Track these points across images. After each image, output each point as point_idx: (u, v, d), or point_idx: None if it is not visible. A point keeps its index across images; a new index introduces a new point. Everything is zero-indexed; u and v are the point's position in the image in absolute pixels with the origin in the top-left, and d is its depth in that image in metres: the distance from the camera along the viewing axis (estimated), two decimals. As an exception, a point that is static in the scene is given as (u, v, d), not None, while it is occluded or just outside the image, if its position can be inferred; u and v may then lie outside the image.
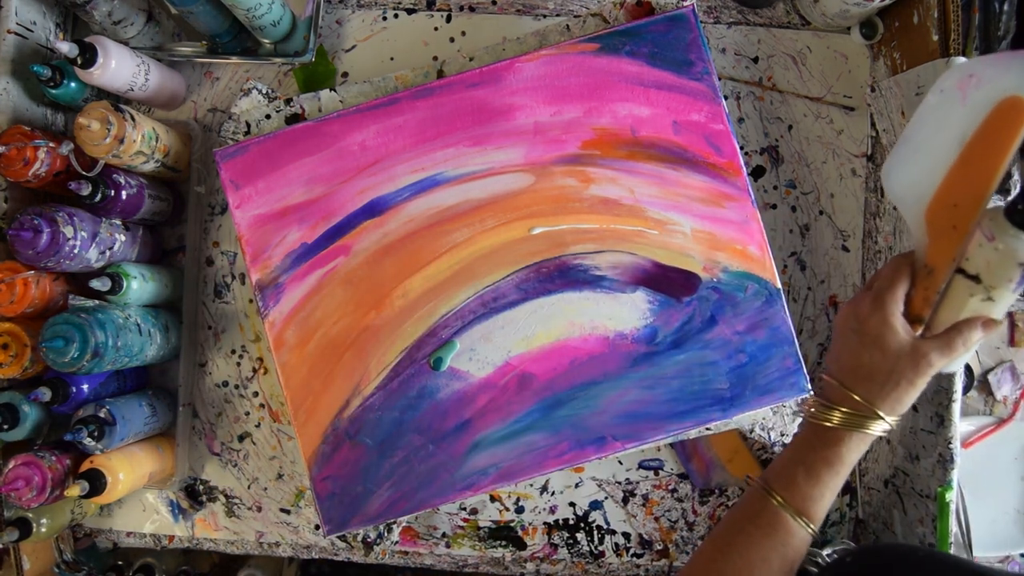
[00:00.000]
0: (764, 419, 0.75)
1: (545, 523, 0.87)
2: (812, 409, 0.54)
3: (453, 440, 0.73)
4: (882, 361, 0.52)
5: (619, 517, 0.86)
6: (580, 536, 0.87)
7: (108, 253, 0.76)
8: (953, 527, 0.71)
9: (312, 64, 0.87)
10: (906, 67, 0.77)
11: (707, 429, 0.74)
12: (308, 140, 0.74)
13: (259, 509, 0.87)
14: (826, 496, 0.52)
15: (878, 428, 0.52)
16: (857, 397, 0.52)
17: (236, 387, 0.88)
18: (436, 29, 0.88)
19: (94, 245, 0.74)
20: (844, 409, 0.53)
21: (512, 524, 0.87)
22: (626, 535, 0.86)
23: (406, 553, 0.87)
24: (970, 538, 0.79)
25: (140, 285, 0.77)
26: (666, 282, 0.73)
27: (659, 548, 0.86)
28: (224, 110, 0.88)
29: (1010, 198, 0.48)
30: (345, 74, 0.89)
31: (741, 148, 0.81)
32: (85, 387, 0.76)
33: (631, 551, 0.87)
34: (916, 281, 0.53)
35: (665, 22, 0.73)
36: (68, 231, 0.70)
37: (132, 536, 0.88)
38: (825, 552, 0.70)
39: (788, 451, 0.54)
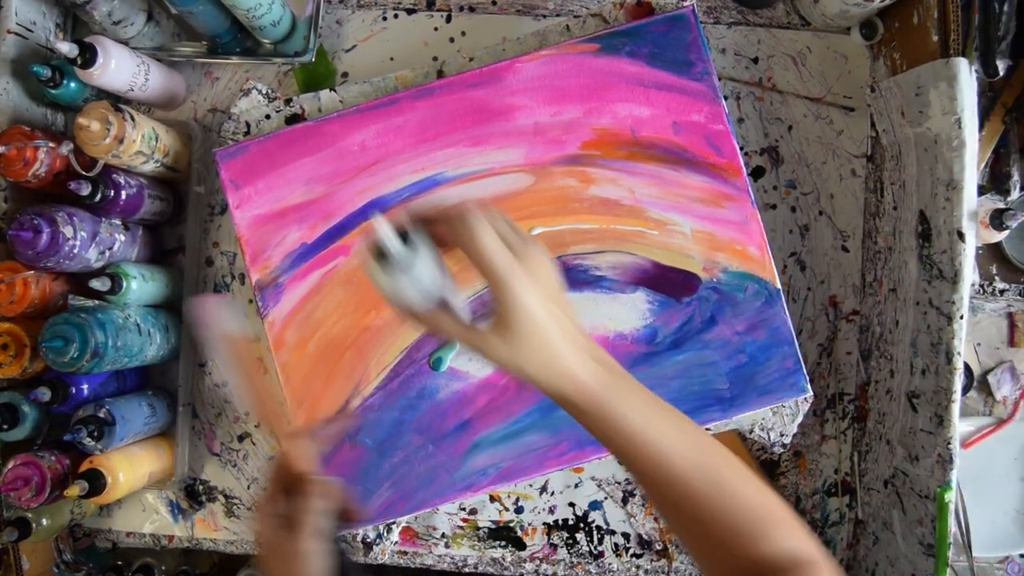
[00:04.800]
0: (764, 419, 0.75)
1: (545, 523, 0.87)
2: None
3: (453, 440, 0.73)
4: None
5: (618, 517, 0.86)
6: (580, 536, 0.87)
7: (108, 253, 0.76)
8: (953, 527, 0.71)
9: (312, 64, 0.86)
10: (906, 67, 0.77)
11: (707, 429, 0.74)
12: (308, 140, 0.74)
13: (259, 509, 0.87)
14: None
15: None
16: None
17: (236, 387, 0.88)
18: (436, 29, 0.88)
19: (94, 245, 0.74)
20: None
21: (512, 524, 0.87)
22: (625, 535, 0.87)
23: (406, 553, 0.87)
24: (970, 538, 0.79)
25: (140, 285, 0.77)
26: (666, 282, 0.73)
27: (659, 548, 0.86)
28: (224, 110, 0.88)
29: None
30: (345, 74, 0.89)
31: (741, 148, 0.81)
32: (85, 387, 0.76)
33: (631, 551, 0.87)
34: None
35: (665, 22, 0.73)
36: (68, 231, 0.70)
37: (132, 536, 0.88)
38: None
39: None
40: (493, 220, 0.42)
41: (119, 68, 0.75)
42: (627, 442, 0.43)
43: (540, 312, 0.42)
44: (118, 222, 0.78)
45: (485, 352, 0.44)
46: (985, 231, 0.74)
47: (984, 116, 0.80)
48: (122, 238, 0.78)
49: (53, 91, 0.76)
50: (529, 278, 0.42)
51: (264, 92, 0.79)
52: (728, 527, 0.42)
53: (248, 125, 0.78)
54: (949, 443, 0.71)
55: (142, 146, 0.74)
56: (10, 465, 0.72)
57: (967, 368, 0.84)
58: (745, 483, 0.43)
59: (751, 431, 0.76)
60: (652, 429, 0.43)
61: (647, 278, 0.73)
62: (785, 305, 0.73)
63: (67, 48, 0.71)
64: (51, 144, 0.72)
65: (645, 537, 0.86)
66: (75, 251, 0.71)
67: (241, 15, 0.77)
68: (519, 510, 0.87)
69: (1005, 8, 0.70)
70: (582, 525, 0.87)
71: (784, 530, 0.42)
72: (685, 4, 0.74)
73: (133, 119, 0.73)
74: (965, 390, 0.84)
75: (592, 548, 0.87)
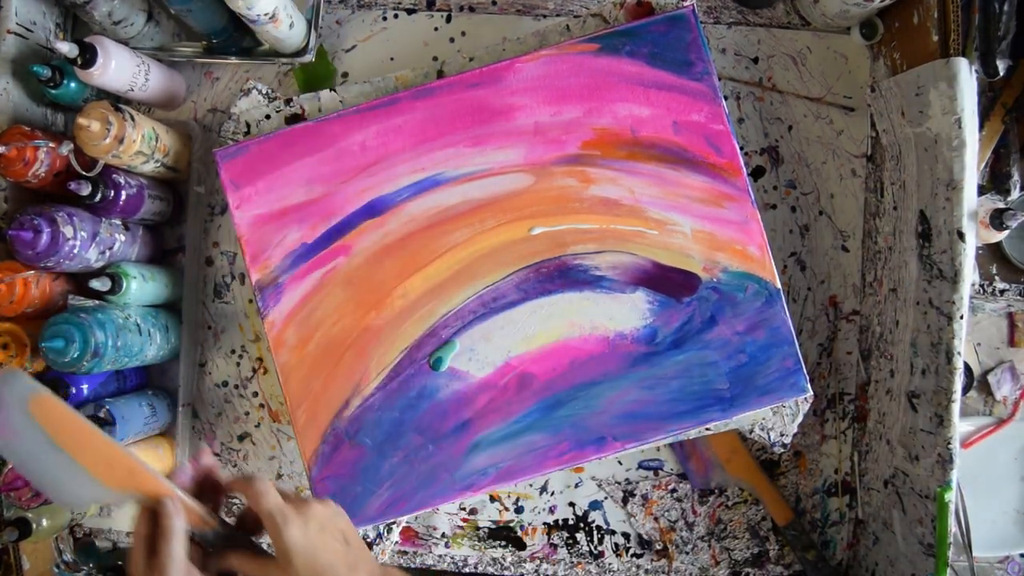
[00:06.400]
0: (764, 419, 0.75)
1: (545, 523, 0.87)
2: None
3: (453, 440, 0.73)
4: None
5: (618, 517, 0.86)
6: (580, 536, 0.87)
7: (108, 253, 0.76)
8: (953, 527, 0.71)
9: (312, 64, 0.87)
10: (906, 67, 0.77)
11: (707, 429, 0.74)
12: (308, 140, 0.74)
13: (259, 509, 0.87)
14: None
15: None
16: None
17: (236, 387, 0.88)
18: (436, 29, 0.88)
19: (94, 245, 0.74)
20: None
21: (512, 524, 0.87)
22: (626, 535, 0.87)
23: (405, 553, 0.87)
24: (970, 538, 0.79)
25: (140, 285, 0.77)
26: (666, 282, 0.73)
27: (659, 548, 0.86)
28: (224, 110, 0.88)
29: None
30: (345, 74, 0.89)
31: (741, 148, 0.81)
32: (85, 387, 0.76)
33: (631, 551, 0.87)
34: None
35: (665, 22, 0.73)
36: (68, 231, 0.70)
37: (132, 536, 0.88)
38: None
39: None
40: (277, 485, 0.52)
41: (119, 68, 0.75)
42: None
43: (309, 546, 0.50)
44: (118, 222, 0.78)
45: None
46: (985, 231, 0.74)
47: (984, 116, 0.80)
48: (122, 238, 0.78)
49: (53, 91, 0.76)
50: (300, 520, 0.50)
51: (264, 92, 0.79)
52: None
53: (248, 125, 0.78)
54: (949, 443, 0.71)
55: (142, 146, 0.74)
56: (10, 465, 0.72)
57: (967, 368, 0.84)
58: None
59: (751, 431, 0.76)
60: None
61: (647, 278, 0.73)
62: (785, 305, 0.73)
63: (67, 48, 0.71)
64: (51, 144, 0.72)
65: (645, 537, 0.86)
66: (75, 251, 0.71)
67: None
68: (519, 510, 0.87)
69: (1005, 8, 0.70)
70: (582, 525, 0.87)
71: None
72: (685, 4, 0.74)
73: (133, 119, 0.73)
74: (965, 390, 0.84)
75: (592, 548, 0.87)
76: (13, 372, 0.50)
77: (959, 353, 0.70)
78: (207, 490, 0.53)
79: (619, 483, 0.86)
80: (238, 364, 0.88)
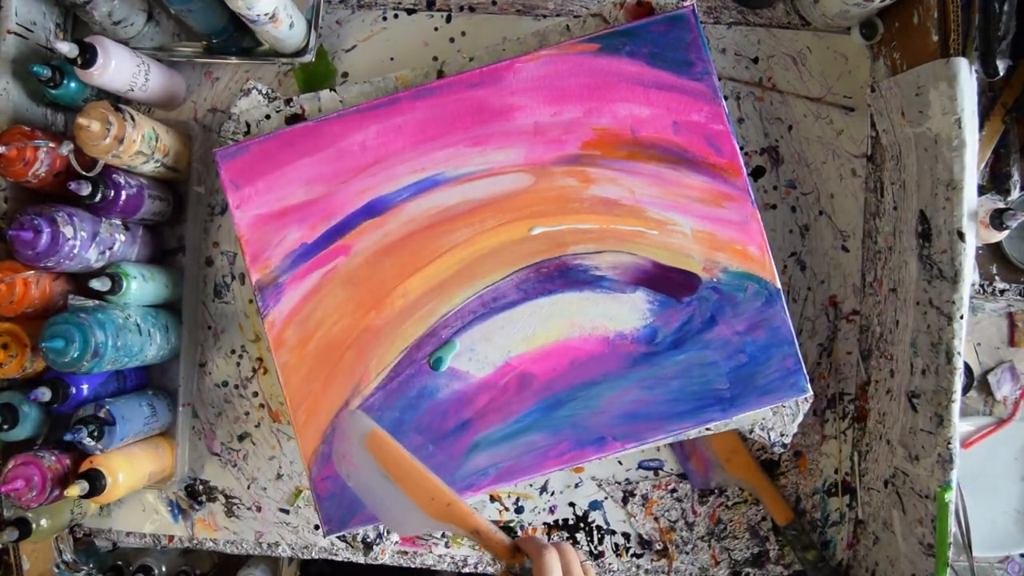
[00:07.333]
0: (764, 419, 0.75)
1: (545, 523, 0.87)
2: None
3: (453, 440, 0.73)
4: None
5: (619, 517, 0.86)
6: (580, 536, 0.87)
7: (108, 253, 0.76)
8: (953, 527, 0.71)
9: (312, 64, 0.87)
10: (906, 67, 0.77)
11: (707, 429, 0.74)
12: (308, 140, 0.74)
13: (259, 509, 0.87)
14: None
15: None
16: None
17: (236, 387, 0.88)
18: (436, 29, 0.88)
19: (94, 245, 0.74)
20: None
21: (512, 524, 0.87)
22: (626, 535, 0.87)
23: (406, 553, 0.87)
24: (970, 538, 0.79)
25: (140, 285, 0.77)
26: (666, 282, 0.73)
27: (659, 548, 0.86)
28: (224, 110, 0.88)
29: None
30: (345, 74, 0.89)
31: (741, 148, 0.81)
32: (85, 387, 0.76)
33: (631, 551, 0.87)
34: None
35: (665, 22, 0.73)
36: (68, 231, 0.70)
37: (132, 536, 0.88)
38: None
39: None
40: (566, 558, 0.53)
41: (119, 68, 0.75)
42: None
43: None
44: (118, 222, 0.78)
45: None
46: (985, 231, 0.74)
47: (984, 116, 0.80)
48: (122, 238, 0.78)
49: (53, 91, 0.76)
50: None
51: (264, 92, 0.79)
52: None
53: (248, 125, 0.78)
54: (949, 443, 0.71)
55: (142, 146, 0.74)
56: (10, 465, 0.72)
57: (967, 368, 0.84)
58: None
59: (751, 431, 0.76)
60: None
61: (647, 278, 0.73)
62: (785, 305, 0.73)
63: (67, 48, 0.71)
64: (51, 144, 0.72)
65: (645, 537, 0.86)
66: (75, 251, 0.71)
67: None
68: (519, 510, 0.87)
69: (1005, 8, 0.70)
70: (582, 525, 0.87)
71: None
72: (685, 4, 0.74)
73: (133, 119, 0.73)
74: (965, 390, 0.84)
75: (592, 548, 0.87)
76: (354, 412, 0.58)
77: (959, 353, 0.70)
78: None
79: (619, 483, 0.86)
80: (238, 364, 0.88)
